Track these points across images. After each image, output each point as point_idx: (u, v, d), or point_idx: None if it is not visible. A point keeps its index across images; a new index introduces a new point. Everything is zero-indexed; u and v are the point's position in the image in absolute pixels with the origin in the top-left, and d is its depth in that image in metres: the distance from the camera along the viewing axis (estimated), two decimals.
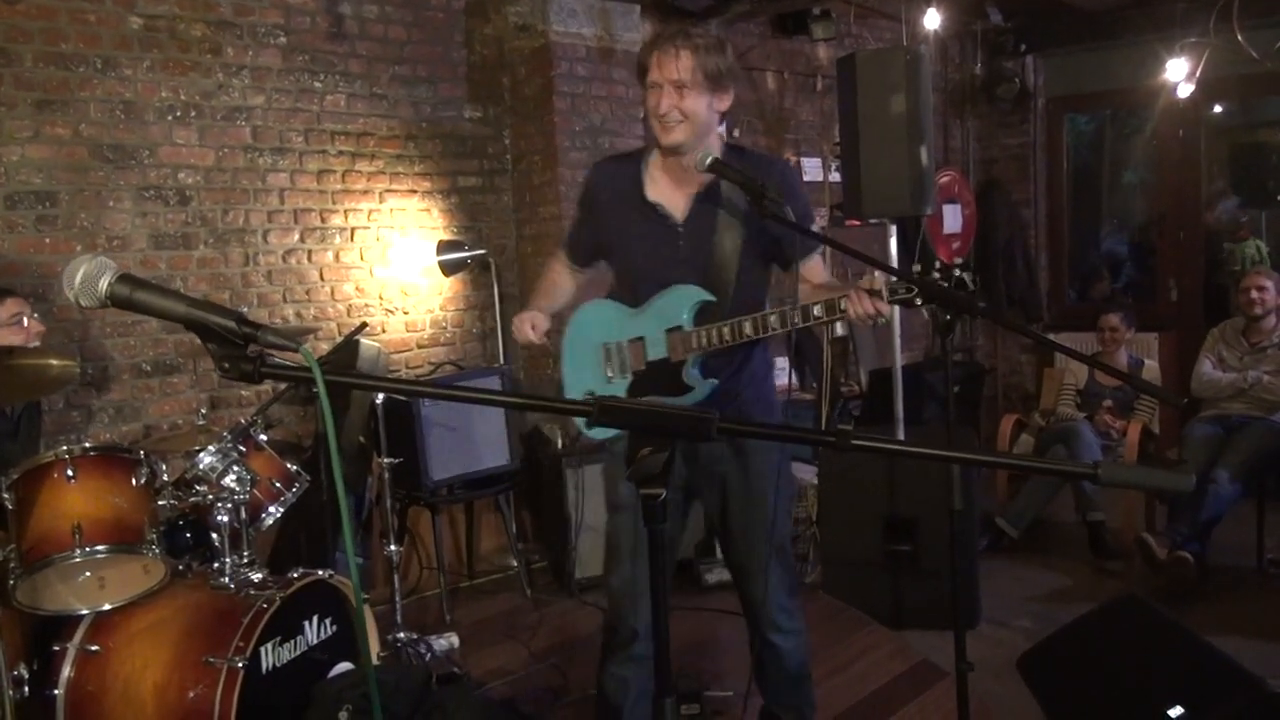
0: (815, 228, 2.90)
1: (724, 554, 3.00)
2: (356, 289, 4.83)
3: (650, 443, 1.23)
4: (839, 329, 6.42)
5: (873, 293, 2.38)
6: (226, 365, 1.26)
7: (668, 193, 2.69)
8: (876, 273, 2.46)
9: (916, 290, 2.33)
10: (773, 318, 2.54)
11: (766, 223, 2.53)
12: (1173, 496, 4.74)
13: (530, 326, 2.77)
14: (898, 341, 4.61)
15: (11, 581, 2.68)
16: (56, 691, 2.80)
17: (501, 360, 5.19)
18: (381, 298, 4.91)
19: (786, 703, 3.00)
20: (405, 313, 5.01)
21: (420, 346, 5.08)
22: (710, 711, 3.42)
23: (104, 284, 1.27)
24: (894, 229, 4.51)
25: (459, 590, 4.81)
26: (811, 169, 6.45)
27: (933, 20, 5.90)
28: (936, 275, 2.29)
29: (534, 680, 3.79)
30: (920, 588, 4.29)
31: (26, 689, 2.80)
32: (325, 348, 4.58)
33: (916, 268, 2.34)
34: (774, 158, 3.05)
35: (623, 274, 2.80)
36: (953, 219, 7.22)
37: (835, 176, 6.16)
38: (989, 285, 7.64)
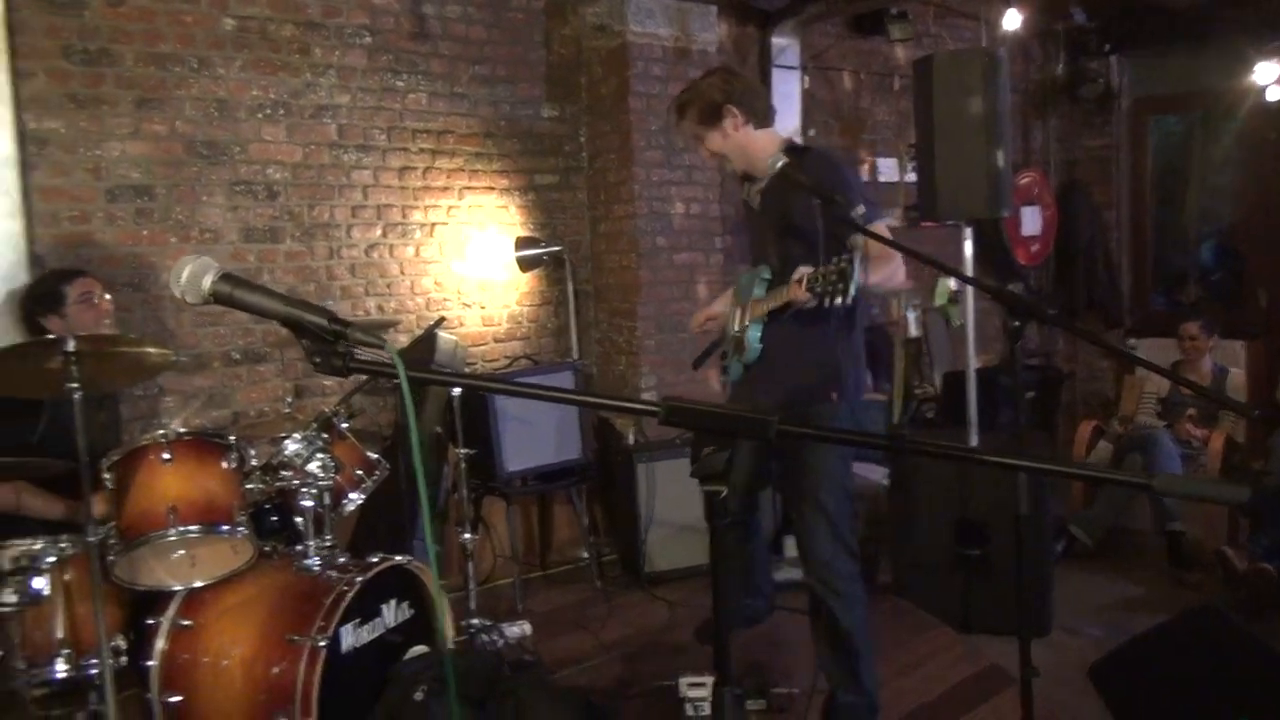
0: (887, 224, 3.38)
1: (786, 510, 3.47)
2: (435, 283, 4.94)
3: (714, 442, 1.28)
4: (912, 329, 6.39)
5: (799, 280, 2.80)
6: (318, 360, 1.33)
7: (754, 193, 3.32)
8: (801, 266, 2.83)
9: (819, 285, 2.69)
10: (773, 292, 3.08)
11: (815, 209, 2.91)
12: (1251, 508, 4.65)
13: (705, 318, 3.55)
14: (971, 344, 4.57)
15: (111, 558, 2.82)
16: (151, 662, 2.94)
17: (575, 355, 5.26)
18: (459, 292, 5.02)
19: (828, 669, 3.28)
20: (482, 307, 5.11)
21: (497, 341, 5.18)
22: (776, 708, 3.45)
23: (207, 282, 1.35)
24: (969, 231, 4.47)
25: (531, 580, 4.90)
26: (887, 169, 6.42)
27: (1013, 20, 5.83)
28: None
29: (604, 670, 3.86)
30: (991, 592, 4.26)
31: (124, 659, 2.94)
32: (404, 340, 4.71)
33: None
34: (826, 152, 3.40)
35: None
36: (1032, 221, 7.13)
37: (911, 177, 6.12)
38: (1068, 289, 7.53)
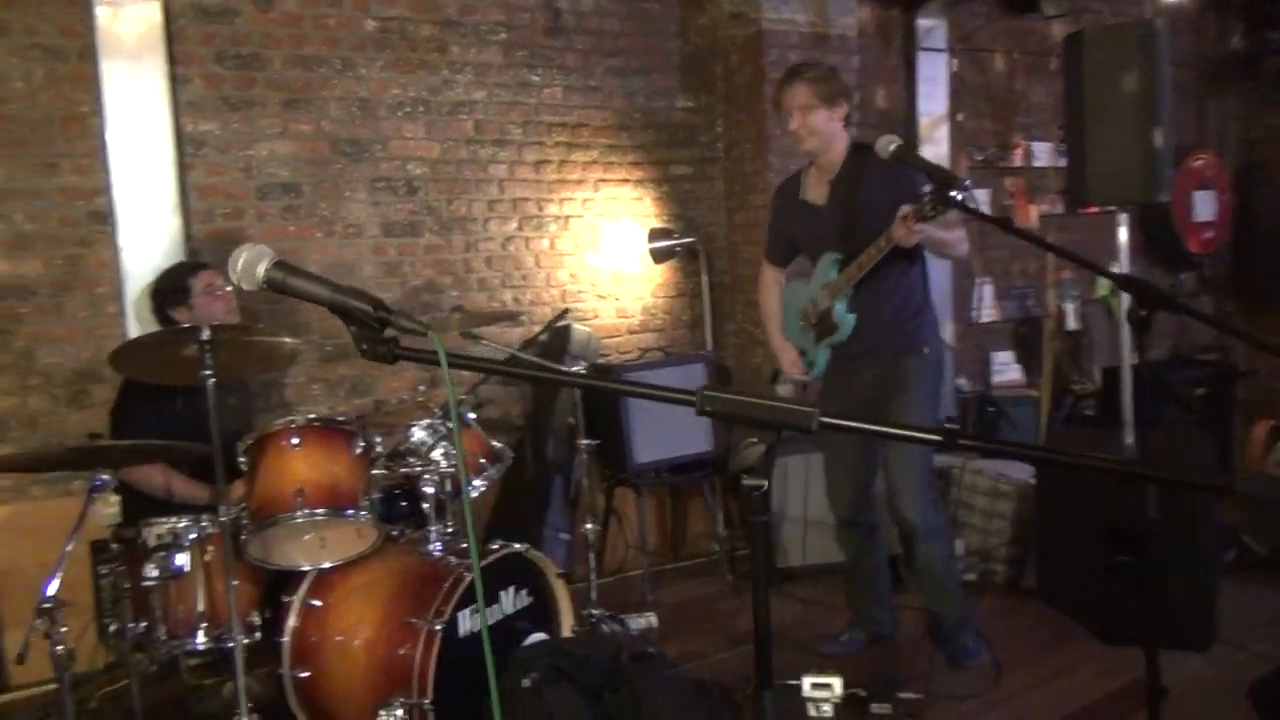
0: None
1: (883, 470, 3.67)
2: (570, 275, 4.99)
3: (755, 434, 1.23)
4: (1071, 322, 6.07)
5: (905, 217, 3.05)
6: (365, 347, 1.35)
7: (815, 190, 3.62)
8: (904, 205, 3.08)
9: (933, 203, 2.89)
10: (863, 254, 3.32)
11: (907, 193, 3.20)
12: None
13: (792, 364, 3.75)
14: (1125, 338, 4.30)
15: (243, 537, 2.95)
16: (284, 639, 3.07)
17: (709, 347, 5.22)
18: (594, 284, 5.05)
19: (934, 608, 3.69)
20: (617, 299, 5.13)
21: (631, 332, 5.19)
22: (902, 713, 3.34)
23: (261, 270, 1.38)
24: (1124, 218, 4.20)
25: (662, 572, 4.90)
26: (1041, 154, 6.12)
27: None
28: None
29: (728, 665, 3.81)
30: (1143, 602, 3.99)
31: (259, 634, 3.09)
32: (535, 330, 4.76)
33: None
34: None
35: (807, 256, 3.73)
36: (1205, 206, 6.67)
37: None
38: (1248, 279, 7.00)
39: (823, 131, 3.45)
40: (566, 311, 4.58)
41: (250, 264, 1.39)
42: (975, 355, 6.15)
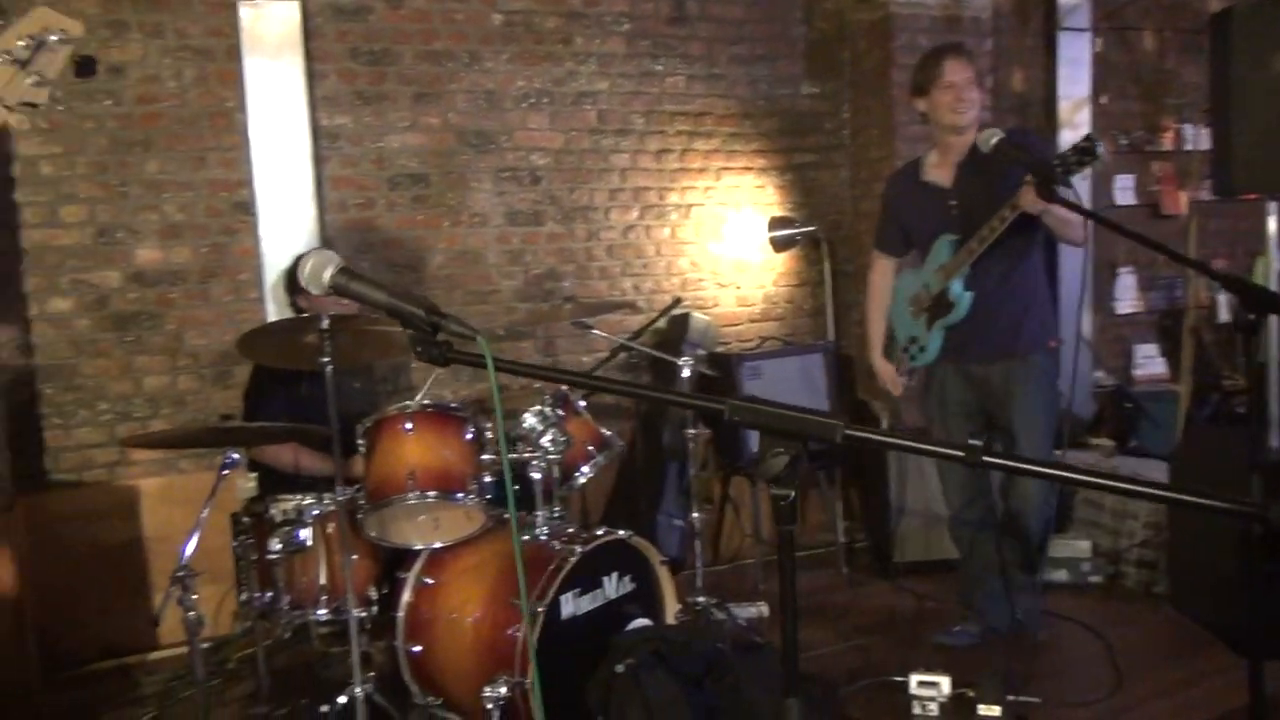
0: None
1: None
2: (691, 264, 5.01)
3: (781, 444, 1.23)
4: (1223, 314, 5.75)
5: (1031, 183, 2.98)
6: (419, 349, 1.40)
7: (938, 171, 3.60)
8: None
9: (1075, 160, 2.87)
10: (984, 228, 3.27)
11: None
12: None
13: (891, 381, 3.78)
14: (1275, 332, 4.05)
15: (360, 516, 3.10)
16: (398, 614, 3.21)
17: (831, 336, 5.16)
18: (715, 272, 5.06)
19: (1019, 584, 3.76)
20: (738, 287, 5.12)
21: (751, 321, 5.18)
22: (1011, 716, 3.25)
23: (328, 275, 1.46)
24: (1273, 206, 3.95)
25: (776, 561, 4.87)
26: (1193, 137, 5.78)
27: None
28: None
29: (836, 659, 3.79)
30: None
31: (376, 608, 3.24)
32: (642, 321, 4.79)
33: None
34: (1022, 130, 3.93)
35: (919, 244, 3.68)
36: None
37: None
38: None
39: (978, 107, 3.49)
40: (679, 300, 4.60)
41: (317, 269, 1.47)
42: (1116, 348, 5.89)
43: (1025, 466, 1.15)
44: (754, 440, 4.29)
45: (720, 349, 4.91)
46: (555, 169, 4.71)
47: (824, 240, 5.12)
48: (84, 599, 4.02)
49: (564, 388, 3.59)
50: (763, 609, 4.16)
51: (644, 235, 4.91)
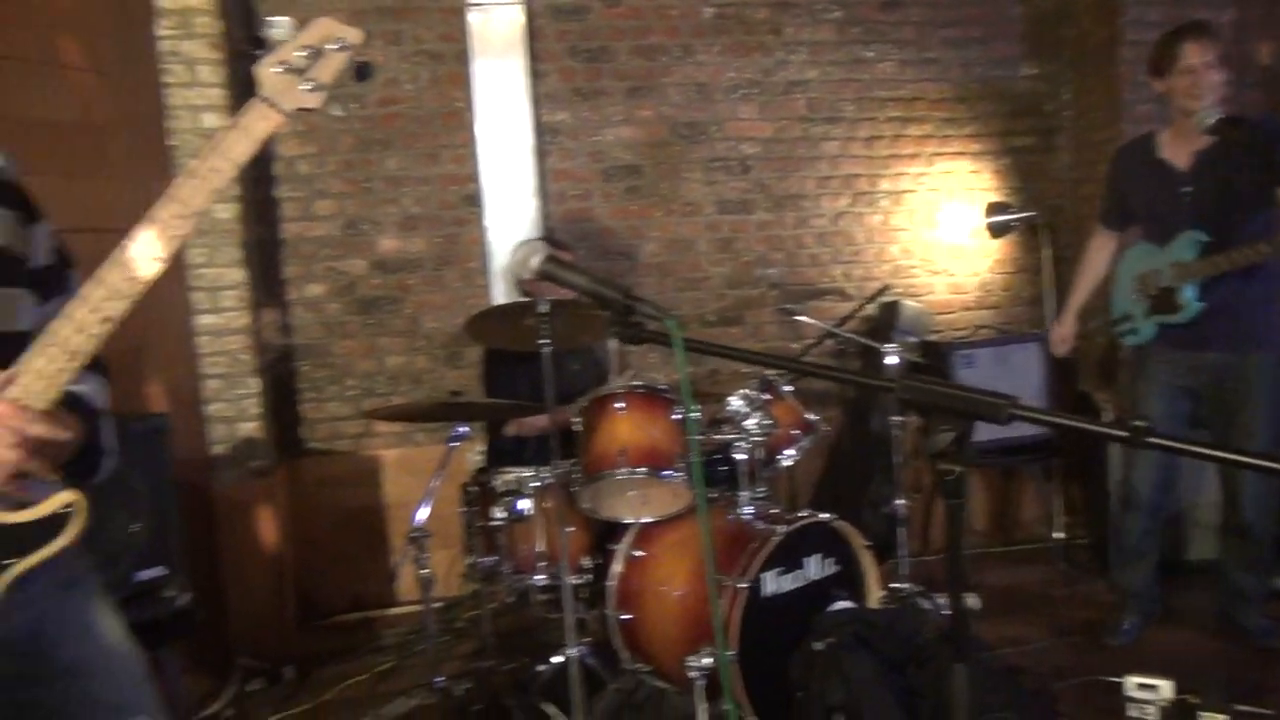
0: None
1: None
2: (902, 250, 4.98)
3: (948, 421, 1.27)
4: None
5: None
6: (615, 329, 1.52)
7: (1175, 151, 3.46)
8: None
9: None
10: (1241, 254, 3.21)
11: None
12: None
13: (1061, 340, 3.89)
14: None
15: (574, 489, 3.29)
16: (610, 583, 3.39)
17: (1050, 326, 4.98)
18: (927, 259, 5.00)
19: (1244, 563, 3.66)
20: (951, 274, 5.04)
21: (965, 309, 5.09)
22: None
23: (535, 262, 1.60)
24: None
25: (990, 554, 4.80)
26: None
27: None
28: None
29: (1046, 655, 3.71)
30: None
31: (590, 577, 3.43)
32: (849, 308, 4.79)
33: None
34: (1267, 116, 3.60)
35: (1145, 222, 3.62)
36: None
37: None
38: None
39: (1219, 93, 3.31)
40: (887, 287, 4.59)
41: (526, 257, 1.63)
42: None
43: (1187, 448, 1.15)
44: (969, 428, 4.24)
45: (932, 337, 4.85)
46: (765, 158, 4.79)
47: (1043, 226, 4.96)
48: (333, 556, 4.44)
49: (768, 372, 3.67)
50: (973, 601, 4.10)
51: (854, 222, 4.91)
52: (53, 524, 1.41)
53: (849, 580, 3.37)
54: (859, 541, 3.36)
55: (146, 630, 2.66)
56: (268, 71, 1.48)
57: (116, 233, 1.65)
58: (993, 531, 4.95)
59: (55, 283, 1.60)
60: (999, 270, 5.09)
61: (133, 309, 1.41)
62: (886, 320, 4.77)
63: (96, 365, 1.51)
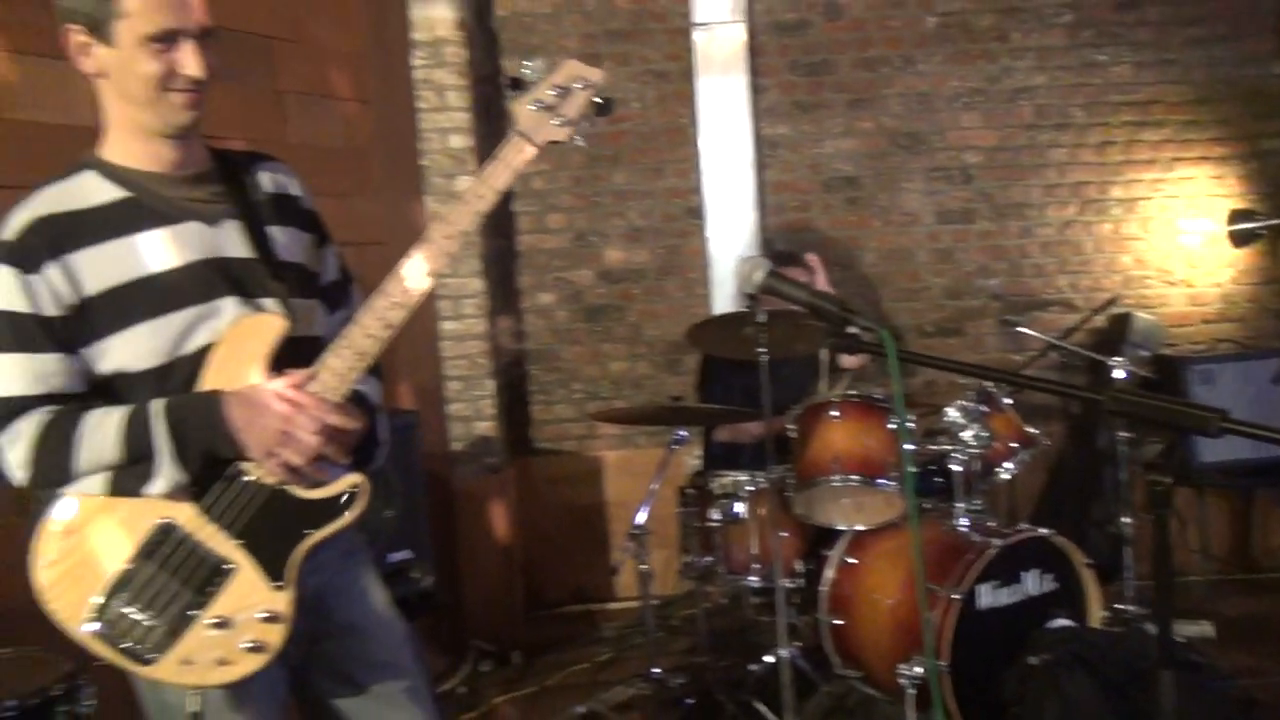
0: None
1: None
2: (1135, 260, 4.78)
3: (1156, 433, 1.28)
4: None
5: None
6: (832, 340, 1.61)
7: None
8: None
9: None
10: None
11: None
12: None
13: None
14: None
15: (789, 495, 3.38)
16: (822, 588, 3.46)
17: None
18: (1162, 270, 4.78)
19: None
20: (1189, 285, 4.80)
21: (1205, 322, 4.83)
22: None
23: (758, 277, 1.72)
24: None
25: (1229, 581, 4.54)
26: None
27: None
28: None
29: None
30: None
31: (802, 580, 3.52)
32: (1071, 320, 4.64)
33: None
34: None
35: None
36: None
37: None
38: None
39: None
40: (1116, 299, 4.42)
41: (749, 272, 1.77)
42: None
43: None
44: (1204, 447, 4.08)
45: (1166, 351, 4.63)
46: (988, 166, 4.72)
47: None
48: (558, 550, 4.71)
49: (988, 384, 3.64)
50: (1206, 628, 3.92)
51: (1082, 231, 4.76)
52: (341, 502, 1.64)
53: (1069, 598, 3.31)
54: (1080, 559, 3.29)
55: (398, 607, 2.96)
56: (523, 108, 1.67)
57: (377, 246, 1.90)
58: (1232, 558, 4.67)
59: (340, 296, 1.86)
60: (1243, 281, 4.81)
61: (410, 317, 1.63)
62: (1116, 333, 4.60)
63: (373, 367, 1.74)
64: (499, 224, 4.65)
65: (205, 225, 1.66)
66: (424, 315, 4.26)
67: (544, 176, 4.69)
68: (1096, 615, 3.32)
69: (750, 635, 4.07)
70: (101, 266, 1.59)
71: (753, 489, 3.49)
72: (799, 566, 3.53)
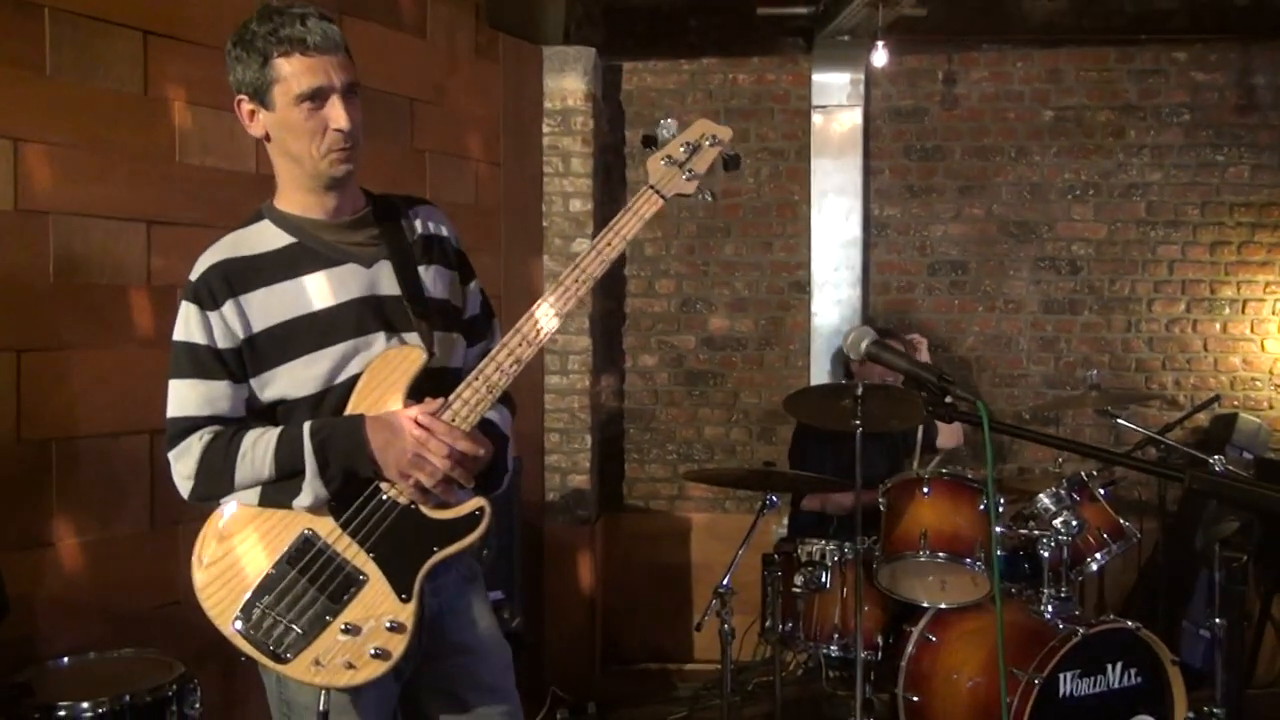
0: None
1: None
2: (1243, 362, 4.74)
3: (1235, 512, 1.35)
4: None
5: None
6: (930, 409, 1.71)
7: None
8: None
9: None
10: None
11: None
12: None
13: None
14: None
15: (875, 566, 3.43)
16: (901, 663, 3.48)
17: None
18: (1272, 373, 4.72)
19: None
20: None
21: None
22: None
23: (864, 345, 1.84)
24: None
25: None
26: None
27: None
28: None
29: None
30: None
31: (881, 654, 3.54)
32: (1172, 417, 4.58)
33: None
34: None
35: None
36: None
37: None
38: None
39: None
40: (1218, 398, 4.39)
41: (857, 340, 1.88)
42: None
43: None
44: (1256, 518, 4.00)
45: (1271, 455, 4.55)
46: (1096, 259, 4.75)
47: None
48: (639, 607, 4.80)
49: (1083, 473, 3.65)
50: None
51: (1190, 329, 4.74)
52: (466, 524, 1.78)
53: (1154, 696, 3.27)
54: (1167, 655, 3.25)
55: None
56: (656, 163, 1.83)
57: (494, 299, 2.07)
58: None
59: (482, 330, 2.03)
60: None
61: (537, 355, 1.79)
62: (1220, 433, 4.55)
63: (506, 399, 1.90)
64: (609, 286, 4.84)
65: (361, 266, 1.84)
66: (531, 368, 4.41)
67: (656, 243, 4.88)
68: (1181, 716, 3.27)
69: (825, 707, 4.09)
70: (271, 305, 1.79)
71: (839, 558, 3.54)
72: (879, 640, 3.56)
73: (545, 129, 4.41)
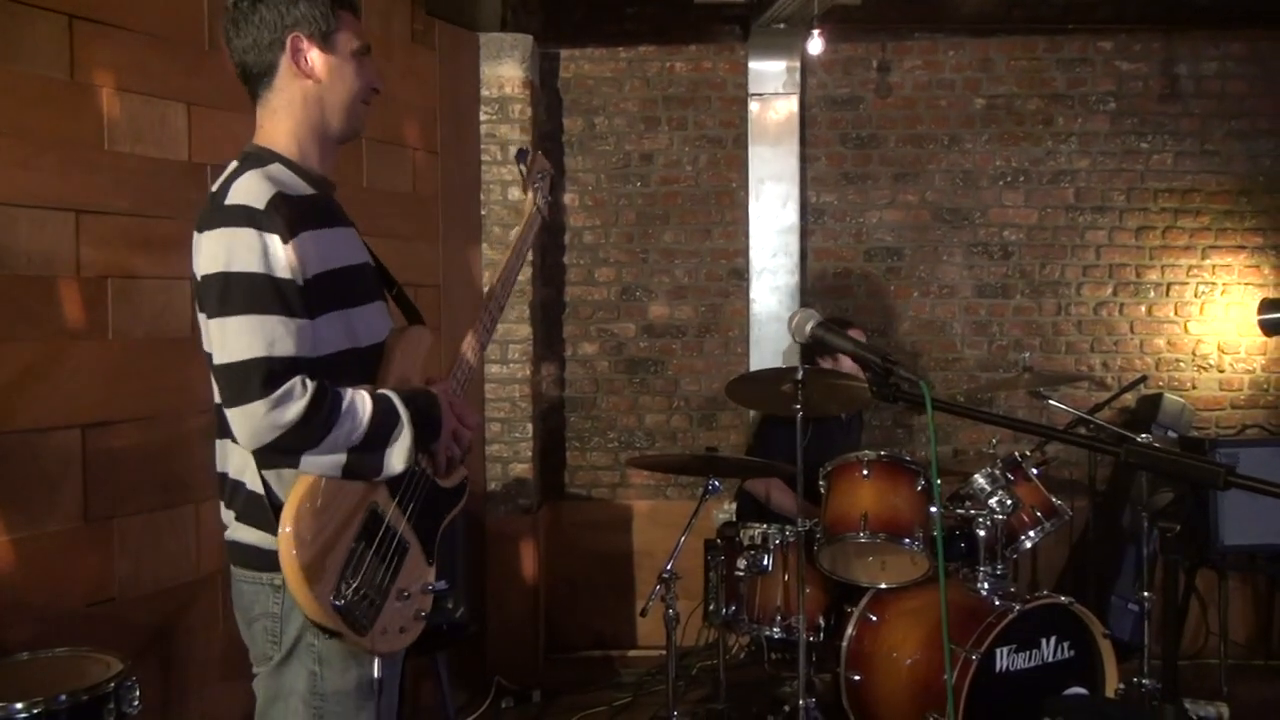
0: None
1: None
2: (1167, 343, 4.88)
3: (1169, 484, 1.40)
4: None
5: None
6: (875, 389, 1.75)
7: None
8: None
9: None
10: None
11: None
12: None
13: None
14: None
15: (816, 548, 3.48)
16: (842, 643, 3.54)
17: None
18: (1194, 354, 4.87)
19: None
20: (1220, 370, 4.88)
21: (1234, 407, 4.90)
22: None
23: (809, 327, 1.88)
24: None
25: (1250, 667, 4.57)
26: None
27: None
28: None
29: None
30: None
31: (823, 635, 3.60)
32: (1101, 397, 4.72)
33: None
34: None
35: None
36: None
37: None
38: None
39: None
40: (1145, 378, 4.52)
41: (801, 323, 1.92)
42: None
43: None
44: (1228, 530, 4.12)
45: (1195, 433, 4.70)
46: (1027, 244, 4.85)
47: None
48: (582, 594, 4.81)
49: (1017, 454, 3.74)
50: (1222, 710, 3.93)
51: (1117, 312, 4.87)
52: (460, 491, 1.95)
53: (1085, 668, 3.37)
54: (1099, 629, 3.35)
55: (431, 634, 3.07)
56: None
57: (433, 288, 2.12)
58: (1255, 643, 4.69)
59: None
60: (1273, 369, 4.88)
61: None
62: (1145, 413, 4.69)
63: None
64: (549, 274, 4.83)
65: (355, 230, 1.90)
66: None
67: (595, 231, 4.88)
68: (1112, 687, 3.38)
69: (768, 688, 4.14)
70: (322, 250, 1.73)
71: (780, 541, 3.58)
72: (820, 621, 3.61)
73: (483, 116, 4.39)
